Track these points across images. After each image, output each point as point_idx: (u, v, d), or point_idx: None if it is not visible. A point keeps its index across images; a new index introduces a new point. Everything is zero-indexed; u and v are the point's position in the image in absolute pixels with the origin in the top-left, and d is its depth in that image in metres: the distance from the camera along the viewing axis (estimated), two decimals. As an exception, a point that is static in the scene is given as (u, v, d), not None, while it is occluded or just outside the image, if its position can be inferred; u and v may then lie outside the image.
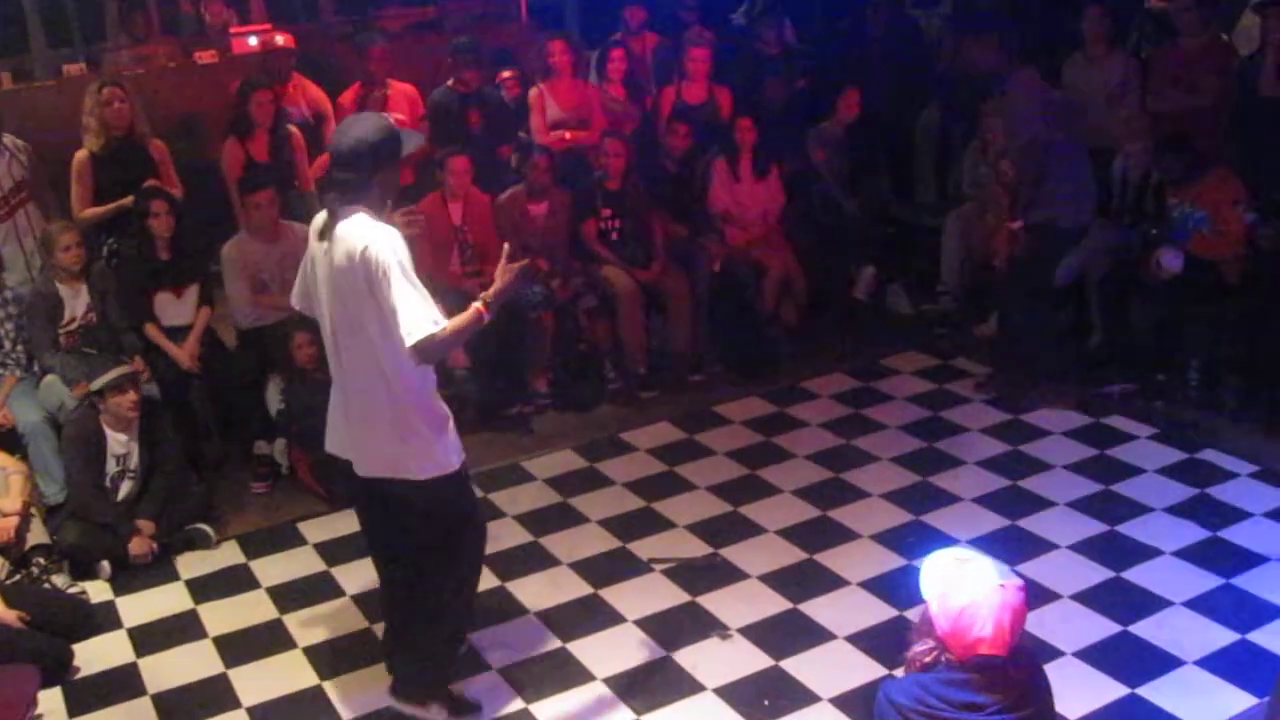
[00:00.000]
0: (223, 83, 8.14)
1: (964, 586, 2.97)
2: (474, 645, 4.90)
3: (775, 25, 8.87)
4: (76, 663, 4.96)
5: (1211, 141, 7.06)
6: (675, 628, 4.98)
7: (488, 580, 5.38)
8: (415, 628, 4.42)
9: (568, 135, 7.82)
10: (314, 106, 7.84)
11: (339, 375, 4.19)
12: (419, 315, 3.85)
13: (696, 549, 5.56)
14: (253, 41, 7.60)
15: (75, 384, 5.93)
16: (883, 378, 7.30)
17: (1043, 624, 4.75)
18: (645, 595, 5.22)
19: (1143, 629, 4.77)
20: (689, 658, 4.78)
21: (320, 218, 4.07)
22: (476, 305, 3.99)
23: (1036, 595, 4.98)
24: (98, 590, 5.52)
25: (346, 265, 3.91)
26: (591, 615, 5.11)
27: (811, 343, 7.69)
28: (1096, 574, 5.16)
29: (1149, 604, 4.93)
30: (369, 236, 3.88)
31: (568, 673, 4.75)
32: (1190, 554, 5.26)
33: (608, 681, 4.67)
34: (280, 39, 7.84)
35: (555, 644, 4.93)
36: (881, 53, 8.74)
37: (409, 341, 3.86)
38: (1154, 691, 4.41)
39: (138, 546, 5.65)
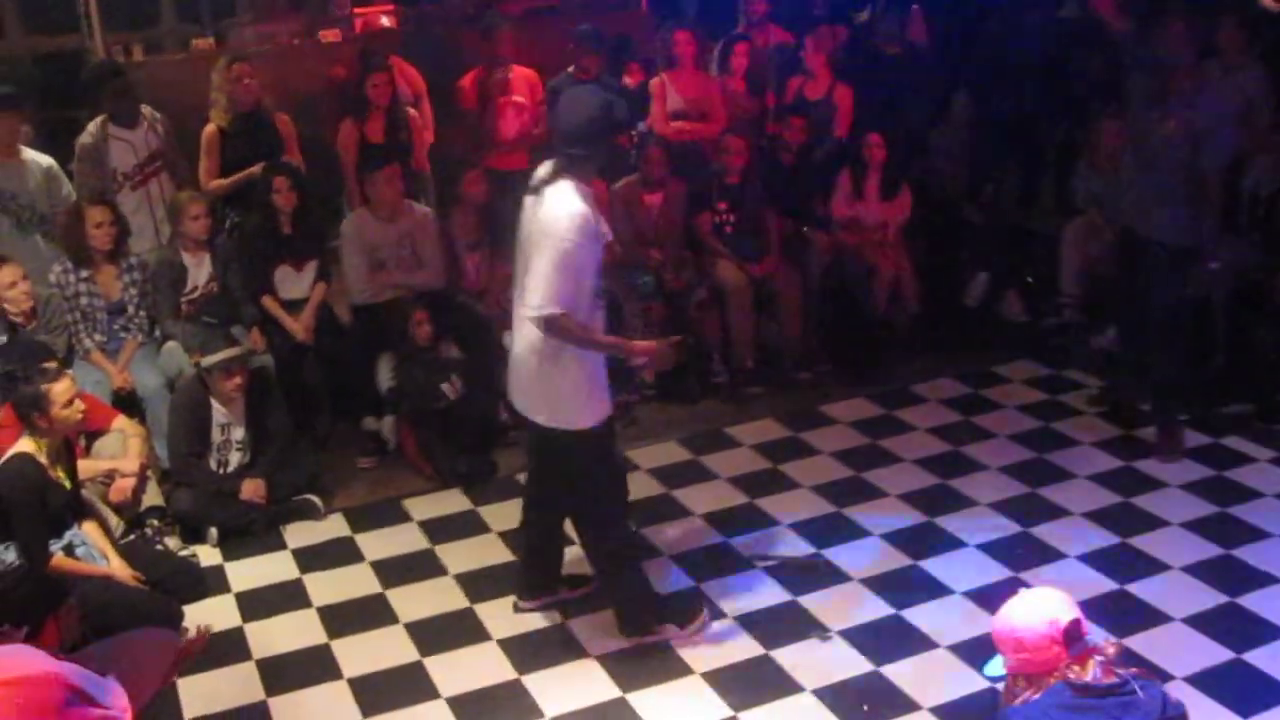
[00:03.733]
0: (345, 62, 8.26)
1: (1006, 625, 3.07)
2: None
3: (897, 23, 8.75)
4: (185, 624, 5.03)
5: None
6: (775, 626, 4.95)
7: (588, 568, 5.41)
8: (603, 574, 4.93)
9: (687, 127, 7.80)
10: (411, 87, 7.89)
11: (516, 322, 4.58)
12: (553, 293, 4.27)
13: (799, 548, 5.53)
14: (385, 21, 7.66)
15: (193, 353, 6.06)
16: (993, 385, 7.19)
17: (1153, 647, 4.64)
18: (746, 592, 5.20)
19: (1257, 657, 4.63)
20: (788, 657, 4.75)
21: (540, 172, 4.49)
22: (634, 343, 4.87)
23: (1147, 617, 4.89)
24: (208, 555, 5.65)
25: (542, 224, 4.34)
26: (692, 609, 5.10)
27: (922, 346, 7.60)
28: (1210, 598, 5.02)
29: (1264, 632, 4.78)
30: (561, 210, 4.31)
31: (666, 665, 4.74)
32: (1308, 583, 5.11)
33: (705, 676, 4.66)
34: (385, 20, 7.85)
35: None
36: (1020, 54, 8.57)
37: (534, 312, 4.32)
38: (1266, 722, 4.29)
39: (249, 489, 5.79)
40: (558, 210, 4.31)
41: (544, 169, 4.50)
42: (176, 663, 4.48)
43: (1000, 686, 3.16)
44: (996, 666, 3.09)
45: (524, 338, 4.53)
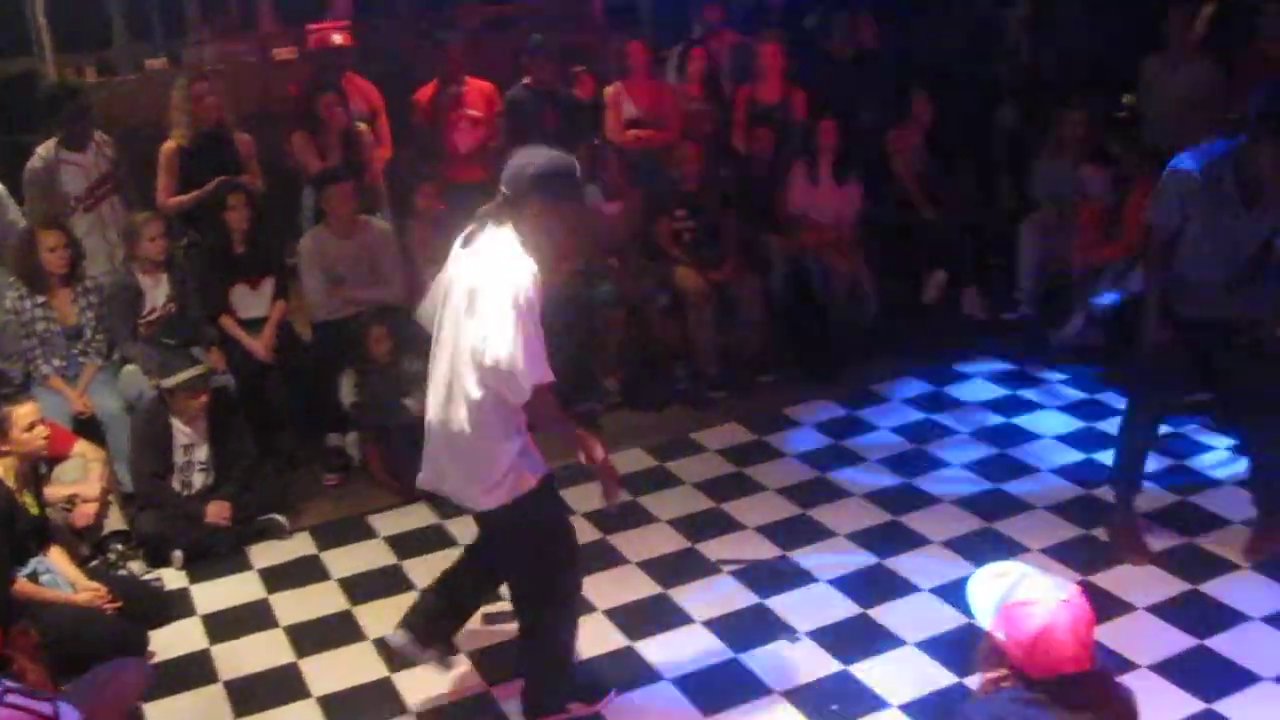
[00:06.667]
0: (299, 79, 8.23)
1: (1031, 612, 2.82)
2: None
3: (848, 26, 8.81)
4: (151, 648, 5.03)
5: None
6: (743, 630, 4.96)
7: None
8: (525, 655, 4.55)
9: (643, 135, 7.82)
10: (367, 102, 7.87)
11: (441, 395, 4.09)
12: (521, 351, 3.81)
13: (766, 551, 5.55)
14: (337, 39, 7.65)
15: (153, 375, 6.03)
16: (955, 382, 7.24)
17: (1117, 636, 4.68)
18: (714, 596, 5.21)
19: (1219, 643, 4.68)
20: (757, 660, 4.76)
21: (470, 228, 4.06)
22: (593, 440, 4.24)
23: (1110, 606, 4.92)
24: (172, 578, 5.61)
25: (484, 282, 3.88)
26: (660, 615, 5.11)
27: (883, 346, 7.63)
28: (1172, 586, 5.07)
29: (1226, 618, 4.84)
30: (512, 263, 3.87)
31: (635, 672, 4.74)
32: (1270, 568, 5.14)
33: (675, 682, 4.67)
34: (337, 37, 7.83)
35: (623, 643, 4.93)
36: (959, 54, 8.67)
37: (502, 365, 3.81)
38: (1231, 707, 4.32)
39: (214, 512, 5.76)
40: (510, 266, 3.89)
41: (484, 211, 4.07)
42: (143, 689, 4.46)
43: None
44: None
45: (457, 404, 4.04)
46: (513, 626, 5.02)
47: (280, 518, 5.97)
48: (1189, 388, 5.75)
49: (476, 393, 3.95)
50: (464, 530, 5.85)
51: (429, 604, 4.70)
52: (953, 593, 5.04)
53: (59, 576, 4.99)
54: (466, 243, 4.04)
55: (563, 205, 4.00)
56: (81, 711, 2.24)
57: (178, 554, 5.69)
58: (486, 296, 3.86)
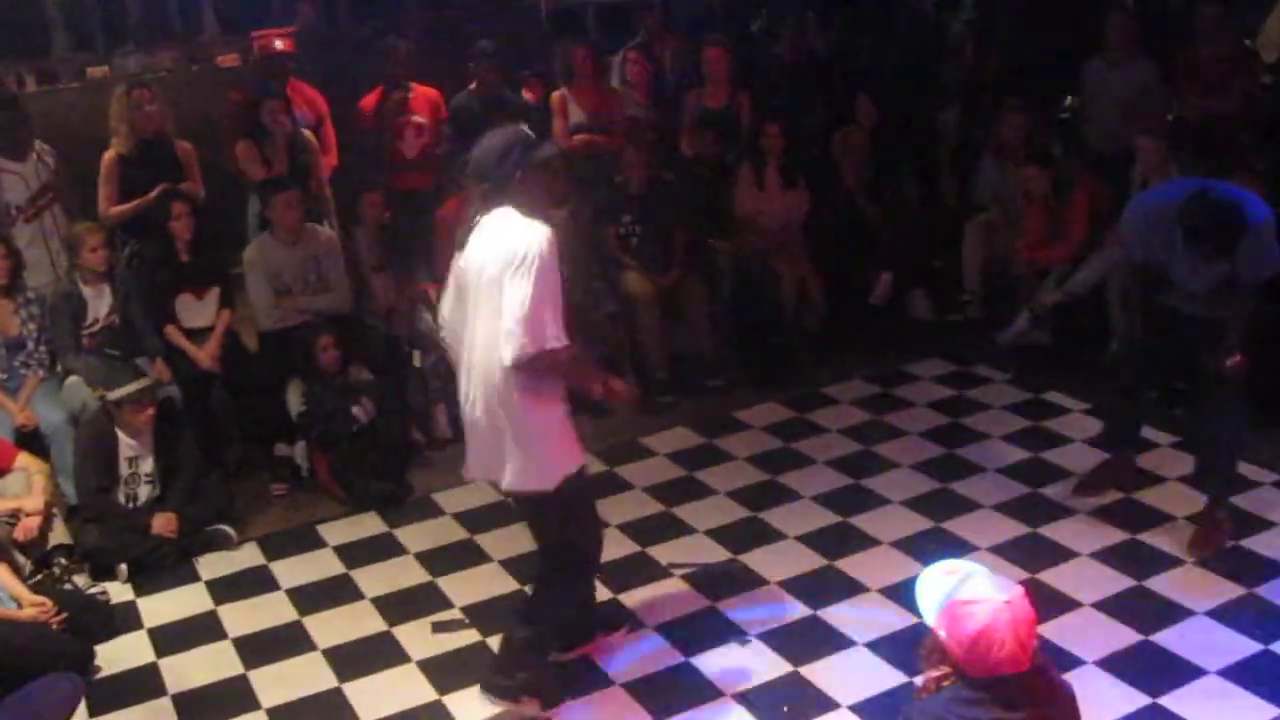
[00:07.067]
0: (242, 86, 8.16)
1: (972, 611, 2.87)
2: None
3: (794, 31, 8.87)
4: (98, 663, 4.98)
5: (1238, 147, 7.01)
6: (695, 633, 4.96)
7: (507, 584, 5.41)
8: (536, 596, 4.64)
9: (589, 140, 7.82)
10: (312, 109, 7.83)
11: (473, 390, 4.22)
12: (544, 322, 3.94)
13: (716, 554, 5.56)
14: (279, 45, 7.61)
15: (96, 386, 5.96)
16: (903, 383, 7.28)
17: (1063, 633, 4.73)
18: (665, 600, 5.21)
19: (1165, 638, 4.73)
20: (708, 663, 4.77)
21: (464, 232, 4.21)
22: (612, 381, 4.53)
23: (1057, 603, 4.97)
24: (119, 591, 5.55)
25: (498, 256, 4.01)
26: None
27: (832, 348, 7.66)
28: (1118, 583, 5.13)
29: (1171, 613, 4.89)
30: (520, 229, 4.02)
31: (587, 678, 4.73)
32: (1214, 563, 5.21)
33: (627, 687, 4.66)
34: (279, 43, 7.79)
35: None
36: (900, 56, 8.74)
37: (523, 350, 3.92)
38: (1176, 701, 4.37)
39: (160, 523, 5.70)
40: (515, 230, 4.04)
41: (475, 207, 4.23)
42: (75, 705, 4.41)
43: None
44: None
45: (497, 390, 4.14)
46: (461, 635, 5.03)
47: (227, 528, 5.92)
48: (1163, 372, 6.01)
49: (513, 376, 4.05)
50: (413, 539, 5.85)
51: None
52: (902, 593, 5.07)
53: (3, 592, 4.94)
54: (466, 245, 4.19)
55: (539, 164, 4.16)
56: None
57: (123, 567, 5.63)
58: (507, 279, 3.96)
